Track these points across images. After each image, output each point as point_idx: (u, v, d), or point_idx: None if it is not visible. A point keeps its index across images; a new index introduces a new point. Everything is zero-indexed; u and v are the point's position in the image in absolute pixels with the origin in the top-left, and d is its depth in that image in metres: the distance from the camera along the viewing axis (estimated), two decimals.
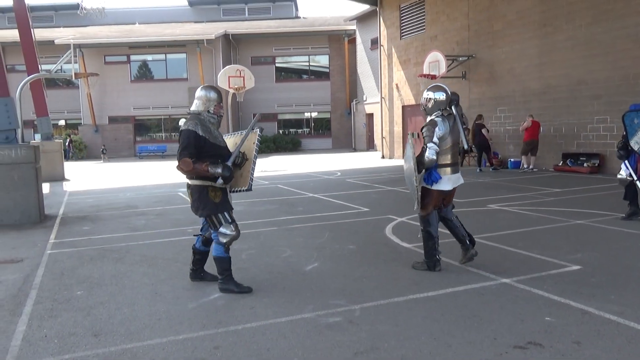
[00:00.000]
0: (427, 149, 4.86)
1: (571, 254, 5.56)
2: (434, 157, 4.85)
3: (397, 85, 22.63)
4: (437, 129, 4.91)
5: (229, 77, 18.98)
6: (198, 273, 4.93)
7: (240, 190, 4.66)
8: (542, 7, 15.28)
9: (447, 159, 5.01)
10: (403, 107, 22.33)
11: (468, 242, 5.16)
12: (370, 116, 30.66)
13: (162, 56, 33.21)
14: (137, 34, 33.88)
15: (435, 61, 17.41)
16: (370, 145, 31.09)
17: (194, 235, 5.00)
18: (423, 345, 3.38)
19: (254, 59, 34.36)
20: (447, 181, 5.00)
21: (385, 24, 23.22)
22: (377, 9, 23.73)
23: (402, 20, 21.97)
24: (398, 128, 22.65)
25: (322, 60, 35.39)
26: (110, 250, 6.43)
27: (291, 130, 35.41)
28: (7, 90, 10.00)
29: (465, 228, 5.25)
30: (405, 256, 5.68)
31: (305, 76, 35.97)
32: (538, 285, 4.50)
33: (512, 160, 16.16)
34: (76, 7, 32.97)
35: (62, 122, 33.25)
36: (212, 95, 4.56)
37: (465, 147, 5.33)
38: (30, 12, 18.67)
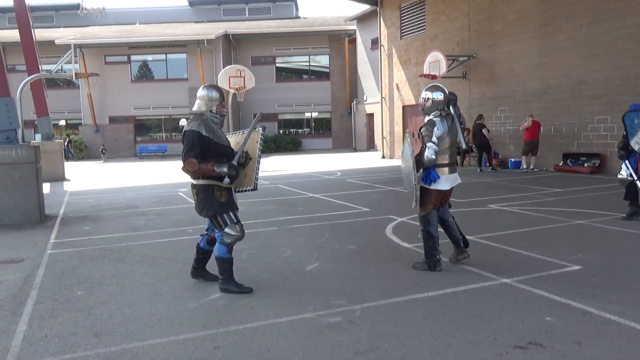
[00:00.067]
0: (427, 149, 4.87)
1: (572, 254, 5.56)
2: (434, 157, 4.87)
3: (397, 85, 22.63)
4: (435, 128, 4.94)
5: (229, 77, 19.00)
6: (199, 272, 4.93)
7: (245, 190, 4.64)
8: (543, 7, 15.28)
9: (445, 158, 5.05)
10: (403, 107, 22.33)
11: (462, 245, 5.23)
12: (370, 116, 30.67)
13: (162, 56, 33.22)
14: (138, 34, 33.89)
15: (436, 61, 17.42)
16: (371, 145, 31.08)
17: (201, 235, 4.96)
18: (423, 345, 3.38)
19: (255, 59, 34.37)
20: (445, 181, 5.04)
21: (385, 24, 23.22)
22: (378, 9, 23.73)
23: (403, 20, 21.97)
24: (398, 128, 22.65)
25: (322, 60, 35.40)
26: (110, 250, 6.43)
27: (291, 130, 35.41)
28: (7, 90, 10.01)
29: (461, 230, 5.30)
30: (405, 256, 5.67)
31: (305, 76, 35.97)
32: (538, 285, 4.50)
33: (512, 160, 16.16)
34: (76, 7, 32.98)
35: (62, 122, 33.25)
36: (214, 94, 4.54)
37: (464, 147, 5.36)
38: (30, 12, 18.67)
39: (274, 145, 32.10)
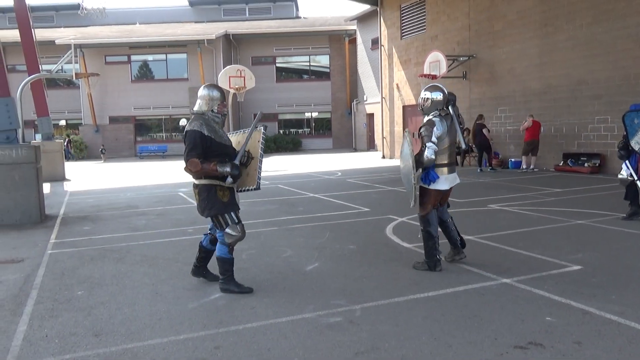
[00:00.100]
0: (426, 149, 4.88)
1: (572, 254, 5.56)
2: (433, 157, 4.89)
3: (397, 85, 22.63)
4: (435, 128, 4.95)
5: (229, 77, 19.01)
6: (201, 270, 4.92)
7: (248, 190, 4.63)
8: (543, 7, 15.28)
9: (444, 158, 5.07)
10: (404, 107, 22.33)
11: (459, 245, 5.29)
12: (370, 116, 30.67)
13: (162, 56, 33.23)
14: (138, 34, 33.90)
15: (436, 61, 17.41)
16: (371, 145, 31.09)
17: (204, 234, 4.95)
18: (423, 345, 3.38)
19: (255, 59, 34.37)
20: (445, 181, 5.06)
21: (385, 24, 23.22)
22: (378, 9, 23.73)
23: (403, 20, 21.97)
24: (399, 128, 22.65)
25: (322, 60, 35.40)
26: (110, 250, 6.43)
27: (292, 130, 35.42)
28: (7, 90, 10.01)
29: (459, 231, 5.34)
30: (405, 256, 5.67)
31: (305, 76, 35.98)
32: (539, 285, 4.50)
33: (512, 160, 16.16)
34: (77, 7, 32.98)
35: (62, 122, 33.26)
36: (215, 94, 4.53)
37: (463, 147, 5.41)
38: (31, 12, 18.68)
39: (274, 145, 32.11)
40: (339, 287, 4.65)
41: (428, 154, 4.87)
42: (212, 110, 4.50)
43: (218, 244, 4.57)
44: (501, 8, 16.73)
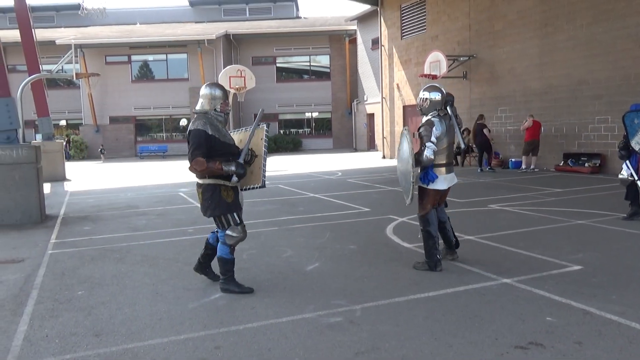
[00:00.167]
0: (426, 149, 4.91)
1: (572, 254, 5.56)
2: (432, 157, 4.93)
3: (398, 85, 22.63)
4: (434, 128, 4.98)
5: (230, 77, 19.03)
6: (203, 267, 4.90)
7: (253, 188, 4.62)
8: (543, 7, 15.28)
9: (443, 158, 5.11)
10: (404, 107, 22.33)
11: (453, 246, 5.37)
12: (371, 116, 30.67)
13: (163, 56, 33.25)
14: (138, 34, 33.91)
15: (436, 61, 17.41)
16: (371, 146, 31.09)
17: (212, 232, 4.93)
18: (424, 345, 3.38)
19: (255, 59, 34.38)
20: (443, 180, 5.10)
21: (386, 24, 23.22)
22: (378, 9, 23.73)
23: (403, 20, 21.96)
24: (399, 128, 22.64)
25: (323, 60, 35.41)
26: (111, 250, 6.43)
27: (292, 130, 35.42)
28: (8, 90, 10.01)
29: (454, 232, 5.41)
30: (406, 256, 5.67)
31: (306, 76, 35.98)
32: (539, 285, 4.50)
33: (513, 160, 16.16)
34: (77, 7, 33.00)
35: (63, 122, 33.27)
36: (217, 93, 4.51)
37: (463, 146, 5.46)
38: (31, 12, 18.68)
39: (274, 146, 32.11)
40: (339, 287, 4.65)
41: (427, 153, 4.90)
42: (215, 109, 4.48)
43: (219, 244, 4.57)
44: (501, 8, 16.73)
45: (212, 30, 32.86)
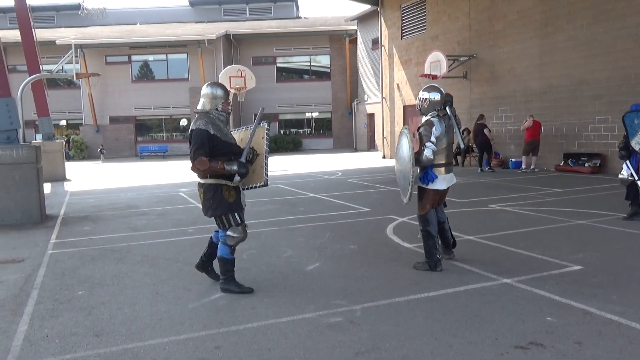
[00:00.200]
0: (426, 148, 4.92)
1: (572, 254, 5.56)
2: (432, 157, 4.95)
3: (398, 85, 22.63)
4: (434, 128, 5.00)
5: (230, 77, 19.02)
6: (205, 266, 4.89)
7: (256, 187, 4.61)
8: (543, 7, 15.27)
9: (442, 158, 5.13)
10: (404, 107, 22.33)
11: (450, 246, 5.40)
12: (371, 116, 30.67)
13: (163, 56, 33.25)
14: (138, 34, 33.92)
15: (437, 61, 17.41)
16: (371, 146, 31.09)
17: (215, 230, 4.91)
18: (424, 345, 3.38)
19: (255, 59, 34.38)
20: (442, 180, 5.13)
21: (386, 24, 23.21)
22: (378, 9, 23.73)
23: (403, 20, 21.96)
24: (399, 128, 22.63)
25: (323, 60, 35.41)
26: (111, 250, 6.43)
27: (292, 130, 35.42)
28: (8, 90, 10.01)
29: (453, 233, 5.45)
30: (406, 256, 5.67)
31: (306, 76, 35.98)
32: (539, 285, 4.50)
33: (513, 160, 16.15)
34: (77, 7, 33.02)
35: (63, 122, 33.28)
36: (219, 92, 4.49)
37: (462, 146, 5.48)
38: (31, 13, 18.67)
39: (274, 146, 32.12)
40: (339, 287, 4.65)
41: (427, 153, 4.92)
42: (217, 109, 4.47)
43: (220, 244, 4.57)
44: (502, 8, 16.73)
45: (212, 30, 32.86)
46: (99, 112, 32.61)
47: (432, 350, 3.30)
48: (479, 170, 15.40)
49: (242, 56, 34.22)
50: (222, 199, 4.39)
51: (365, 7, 27.45)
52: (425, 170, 5.05)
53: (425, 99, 5.13)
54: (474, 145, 16.38)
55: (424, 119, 5.17)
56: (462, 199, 9.64)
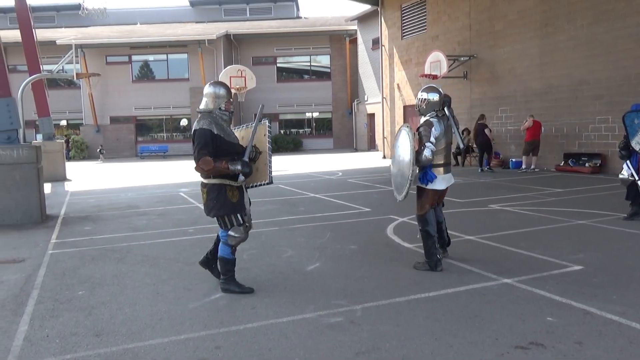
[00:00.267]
0: (425, 148, 4.94)
1: (573, 254, 5.56)
2: (431, 157, 4.97)
3: (398, 85, 22.63)
4: (433, 129, 5.02)
5: (230, 77, 19.03)
6: (210, 263, 4.86)
7: (260, 185, 4.60)
8: (544, 7, 15.27)
9: (441, 159, 5.16)
10: (404, 107, 22.33)
11: (445, 245, 5.44)
12: (371, 116, 30.67)
13: (163, 56, 33.26)
14: (139, 34, 33.93)
15: (437, 61, 17.41)
16: (372, 146, 31.09)
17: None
18: (424, 345, 3.38)
19: (255, 59, 34.38)
20: (442, 180, 5.15)
21: (386, 24, 23.22)
22: (379, 9, 23.73)
23: (404, 20, 21.96)
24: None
25: (323, 61, 35.40)
26: (111, 250, 6.44)
27: (292, 130, 35.41)
28: (8, 90, 10.01)
29: (448, 234, 5.48)
30: (406, 256, 5.67)
31: (306, 76, 35.98)
32: (540, 285, 4.50)
33: (513, 160, 16.15)
34: (78, 7, 32.99)
35: (63, 122, 33.29)
36: (222, 92, 4.47)
37: (462, 146, 5.52)
38: (31, 13, 18.68)
39: (275, 146, 32.07)
40: (339, 287, 4.65)
41: (426, 153, 4.94)
42: (220, 108, 4.45)
43: (221, 244, 4.56)
44: (502, 8, 16.72)
45: (212, 30, 32.86)
46: (100, 112, 32.62)
47: (432, 350, 3.30)
48: (479, 170, 15.39)
49: (243, 56, 34.22)
50: (226, 199, 4.38)
51: (366, 7, 27.45)
52: (425, 170, 5.06)
53: (424, 99, 5.16)
54: (474, 145, 16.38)
55: (422, 119, 5.20)
56: (463, 199, 9.64)
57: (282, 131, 34.76)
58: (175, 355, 3.35)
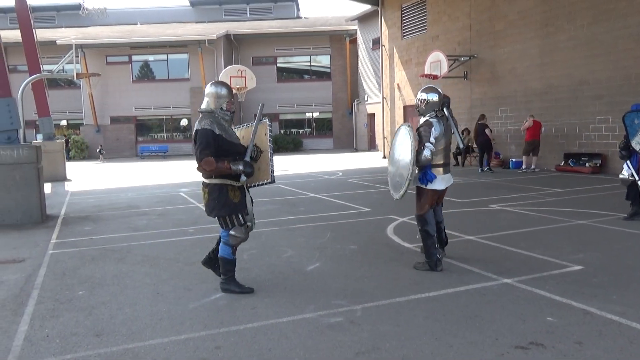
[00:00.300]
0: (424, 148, 4.96)
1: (573, 254, 5.56)
2: (430, 157, 4.98)
3: (398, 85, 22.63)
4: (433, 129, 5.04)
5: (230, 77, 19.04)
6: (212, 263, 4.85)
7: (263, 184, 4.60)
8: (544, 7, 15.27)
9: (440, 159, 5.17)
10: (404, 107, 22.34)
11: (442, 245, 5.43)
12: (371, 116, 30.67)
13: (163, 56, 33.25)
14: (139, 34, 33.93)
15: (437, 61, 17.41)
16: (372, 146, 31.09)
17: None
18: (424, 345, 3.38)
19: (256, 59, 34.37)
20: (441, 181, 5.17)
21: (386, 24, 23.22)
22: (379, 9, 23.73)
23: (404, 20, 21.96)
24: None
25: (323, 61, 35.39)
26: (112, 250, 6.44)
27: (293, 130, 35.40)
28: (9, 90, 10.01)
29: (446, 232, 5.49)
30: (406, 256, 5.67)
31: (306, 76, 35.97)
32: (540, 285, 4.50)
33: (513, 160, 16.15)
34: (78, 7, 33.01)
35: (64, 122, 33.29)
36: (223, 91, 4.46)
37: (461, 146, 5.55)
38: (32, 13, 18.68)
39: (275, 146, 31.75)
40: (340, 287, 4.65)
41: (426, 153, 4.95)
42: (221, 108, 4.44)
43: (221, 244, 4.55)
44: (502, 8, 16.72)
45: (212, 30, 32.86)
46: (100, 112, 32.62)
47: (432, 350, 3.30)
48: (479, 170, 15.39)
49: (243, 56, 34.22)
50: (228, 199, 4.37)
51: (366, 7, 27.44)
52: (425, 171, 5.07)
53: (424, 99, 5.18)
54: (475, 145, 16.37)
55: (422, 119, 5.21)
56: (463, 199, 9.64)
57: (282, 131, 34.74)
58: (175, 355, 3.35)
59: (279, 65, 35.13)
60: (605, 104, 13.73)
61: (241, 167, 4.28)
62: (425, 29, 20.50)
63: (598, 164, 13.80)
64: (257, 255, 5.91)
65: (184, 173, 17.41)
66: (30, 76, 17.95)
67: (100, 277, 5.22)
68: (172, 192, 12.54)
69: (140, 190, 13.31)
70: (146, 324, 3.90)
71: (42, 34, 23.53)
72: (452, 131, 5.30)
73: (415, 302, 4.21)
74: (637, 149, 7.07)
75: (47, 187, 12.97)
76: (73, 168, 22.07)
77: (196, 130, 4.35)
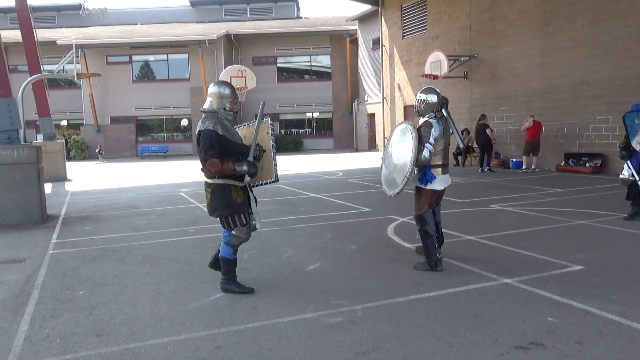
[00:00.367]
0: (424, 149, 4.97)
1: (573, 254, 5.56)
2: (429, 157, 5.00)
3: (398, 85, 22.63)
4: (433, 130, 5.06)
5: (230, 77, 19.01)
6: (219, 264, 4.82)
7: (266, 183, 4.60)
8: (544, 7, 15.27)
9: (439, 159, 5.19)
10: (405, 107, 22.35)
11: (440, 244, 5.42)
12: (372, 116, 30.66)
13: (164, 56, 33.25)
14: (139, 34, 33.92)
15: (437, 61, 17.41)
16: (372, 146, 31.08)
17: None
18: (425, 345, 3.38)
19: (256, 59, 34.37)
20: (440, 181, 5.19)
21: (387, 24, 23.22)
22: (379, 9, 23.74)
23: (404, 20, 21.97)
24: None
25: (323, 61, 35.39)
26: (112, 250, 6.44)
27: (293, 130, 35.40)
28: (9, 90, 10.01)
29: (443, 233, 5.51)
30: (406, 256, 5.68)
31: (307, 76, 35.97)
32: (540, 285, 4.50)
33: (513, 160, 16.15)
34: (78, 7, 33.02)
35: (64, 123, 33.30)
36: (226, 91, 4.44)
37: (461, 146, 5.60)
38: (32, 13, 18.69)
39: (275, 145, 32.04)
40: (340, 287, 4.65)
41: (425, 153, 4.97)
42: (224, 108, 4.41)
43: (222, 244, 4.55)
44: (502, 8, 16.72)
45: (213, 30, 32.86)
46: (100, 112, 32.62)
47: (432, 350, 3.30)
48: (479, 170, 15.38)
49: (243, 56, 34.22)
50: (231, 200, 4.36)
51: (366, 7, 27.44)
52: (424, 171, 5.09)
53: (423, 100, 5.21)
54: (475, 145, 16.37)
55: (421, 120, 5.23)
56: (463, 199, 9.64)
57: (282, 131, 34.73)
58: (175, 355, 3.35)
59: (279, 65, 35.13)
60: (605, 104, 13.73)
61: (245, 168, 4.27)
62: (426, 29, 20.50)
63: (598, 164, 13.80)
64: (257, 255, 5.91)
65: (184, 173, 17.40)
66: (30, 76, 17.95)
67: (100, 277, 5.22)
68: (172, 192, 12.54)
69: (141, 191, 13.31)
70: (146, 324, 3.90)
71: (42, 34, 23.55)
72: (451, 132, 5.33)
73: (416, 302, 4.21)
74: (638, 149, 7.07)
75: (48, 187, 12.98)
76: (73, 168, 22.07)
77: (199, 131, 4.32)
